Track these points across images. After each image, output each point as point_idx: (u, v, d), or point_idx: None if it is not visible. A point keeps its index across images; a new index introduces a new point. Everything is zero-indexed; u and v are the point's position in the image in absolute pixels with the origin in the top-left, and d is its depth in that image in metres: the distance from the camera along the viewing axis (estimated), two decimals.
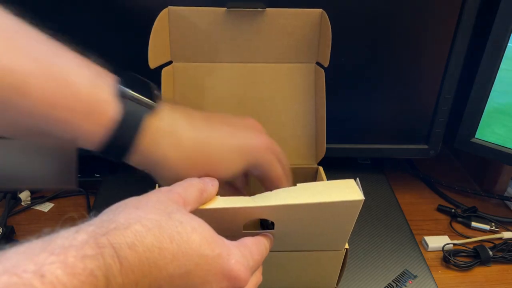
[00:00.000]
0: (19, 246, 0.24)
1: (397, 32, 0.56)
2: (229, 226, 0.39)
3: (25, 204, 0.64)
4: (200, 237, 0.31)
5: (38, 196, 0.65)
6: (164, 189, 0.34)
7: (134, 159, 0.37)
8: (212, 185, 0.37)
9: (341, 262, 0.49)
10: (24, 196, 0.64)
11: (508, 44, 0.55)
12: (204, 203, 0.37)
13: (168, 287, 0.29)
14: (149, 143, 0.36)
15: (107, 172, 0.68)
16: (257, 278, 0.37)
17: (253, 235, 0.39)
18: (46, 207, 0.64)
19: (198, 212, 0.34)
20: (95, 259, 0.24)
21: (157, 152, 0.37)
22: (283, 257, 0.46)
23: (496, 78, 0.57)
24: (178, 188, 0.35)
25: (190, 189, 0.35)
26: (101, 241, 0.26)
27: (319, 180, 0.55)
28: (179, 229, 0.30)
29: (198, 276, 0.30)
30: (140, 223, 0.28)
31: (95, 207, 0.63)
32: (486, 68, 0.57)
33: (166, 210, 0.31)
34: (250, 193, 0.40)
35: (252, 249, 0.36)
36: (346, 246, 0.47)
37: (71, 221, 0.27)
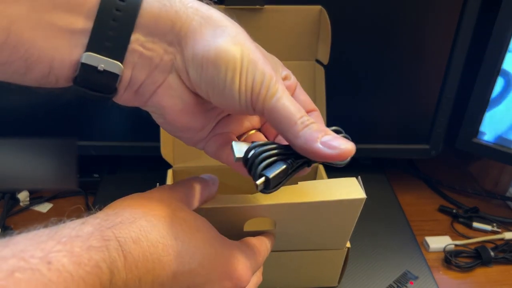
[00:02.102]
0: (27, 233, 0.24)
1: (398, 30, 0.56)
2: (230, 225, 0.39)
3: (24, 204, 0.63)
4: (203, 236, 0.31)
5: (37, 197, 0.65)
6: (167, 186, 0.34)
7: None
8: (213, 183, 0.37)
9: (343, 261, 0.48)
10: (23, 196, 0.63)
11: (510, 43, 0.55)
12: (205, 202, 0.37)
13: (170, 285, 0.29)
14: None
15: (106, 172, 0.68)
16: (257, 278, 0.37)
17: (254, 234, 0.39)
18: (45, 207, 0.64)
19: (200, 211, 0.34)
20: (100, 251, 0.24)
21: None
22: (285, 257, 0.46)
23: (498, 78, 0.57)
24: (180, 186, 0.35)
25: (192, 187, 0.35)
26: (106, 233, 0.26)
27: (319, 178, 0.54)
28: (183, 227, 0.30)
29: (201, 274, 0.30)
30: (145, 219, 0.28)
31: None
32: (488, 67, 0.57)
33: (170, 207, 0.30)
34: (251, 192, 0.40)
35: (254, 249, 0.36)
36: (348, 244, 0.46)
37: (76, 213, 0.27)
